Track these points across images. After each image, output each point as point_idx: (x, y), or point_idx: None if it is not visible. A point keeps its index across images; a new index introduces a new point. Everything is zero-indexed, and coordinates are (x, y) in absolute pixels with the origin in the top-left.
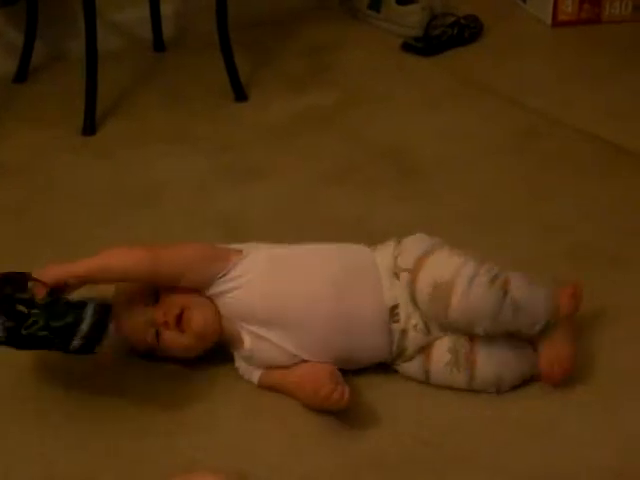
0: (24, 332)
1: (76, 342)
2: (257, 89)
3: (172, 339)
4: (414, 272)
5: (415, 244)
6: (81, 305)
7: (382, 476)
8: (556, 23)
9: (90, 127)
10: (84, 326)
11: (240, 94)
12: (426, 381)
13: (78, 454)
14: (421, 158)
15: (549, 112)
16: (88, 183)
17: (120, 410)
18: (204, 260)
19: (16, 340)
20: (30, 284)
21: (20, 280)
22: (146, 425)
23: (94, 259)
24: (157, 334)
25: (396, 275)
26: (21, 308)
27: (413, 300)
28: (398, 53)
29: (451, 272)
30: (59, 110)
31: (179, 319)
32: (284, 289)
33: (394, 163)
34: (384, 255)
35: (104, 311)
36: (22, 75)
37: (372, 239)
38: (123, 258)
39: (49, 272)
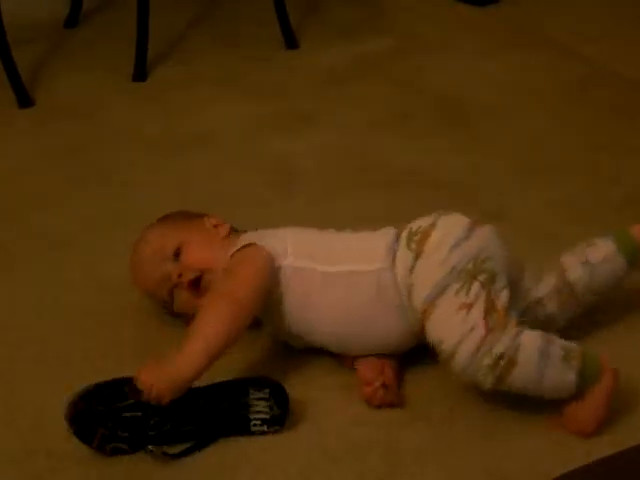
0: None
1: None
2: (308, 36)
3: (185, 300)
4: (423, 318)
5: (433, 268)
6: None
7: None
8: None
9: (141, 73)
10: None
11: (291, 41)
12: None
13: None
14: (474, 107)
15: (605, 62)
16: (139, 127)
17: None
18: (268, 281)
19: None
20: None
21: (114, 387)
22: None
23: (192, 350)
24: (172, 292)
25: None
26: (131, 414)
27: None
28: (452, 2)
29: (453, 342)
30: (110, 55)
31: (195, 282)
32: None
33: (447, 112)
34: (402, 258)
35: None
36: (73, 20)
37: (422, 188)
38: (217, 330)
39: (150, 381)
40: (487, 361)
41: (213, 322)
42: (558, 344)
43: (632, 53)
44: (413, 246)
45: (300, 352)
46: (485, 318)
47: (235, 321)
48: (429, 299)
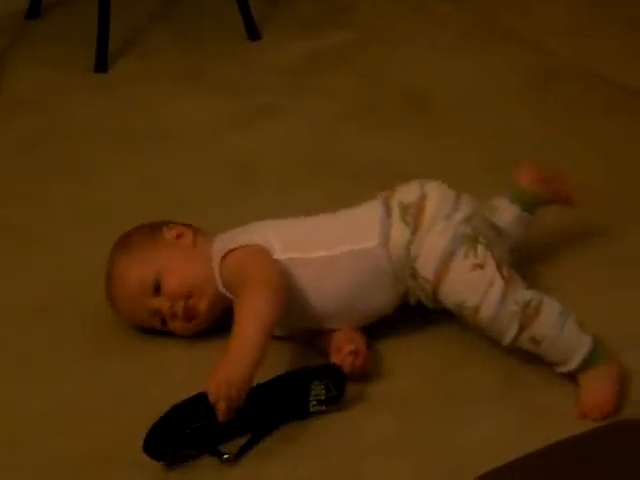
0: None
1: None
2: (271, 28)
3: (181, 327)
4: (435, 284)
5: (435, 238)
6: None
7: None
8: None
9: (102, 64)
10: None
11: (253, 33)
12: None
13: None
14: (439, 100)
15: (570, 57)
16: (99, 120)
17: None
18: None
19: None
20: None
21: (190, 407)
22: None
23: (247, 334)
24: (165, 322)
25: (413, 275)
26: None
27: (433, 298)
28: None
29: (477, 298)
30: (72, 47)
31: (189, 310)
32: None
33: (411, 104)
34: (399, 233)
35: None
36: (35, 11)
37: (388, 181)
38: (264, 309)
39: (219, 391)
40: (513, 308)
41: (256, 304)
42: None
43: (597, 47)
44: (409, 219)
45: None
46: (500, 271)
47: (275, 300)
48: (440, 266)
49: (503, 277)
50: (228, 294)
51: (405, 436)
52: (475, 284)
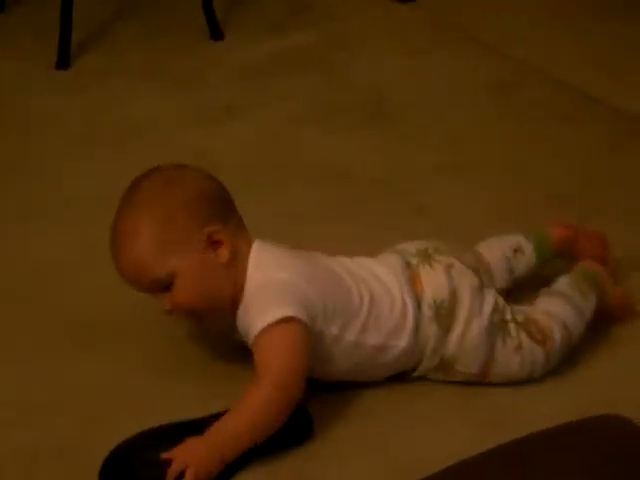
0: None
1: None
2: (234, 28)
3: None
4: (481, 376)
5: (473, 339)
6: None
7: None
8: None
9: (64, 61)
10: None
11: (216, 32)
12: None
13: None
14: (398, 103)
15: (530, 62)
16: (59, 117)
17: None
18: (308, 358)
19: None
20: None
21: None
22: None
23: (233, 434)
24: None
25: (443, 367)
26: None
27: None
28: None
29: (526, 372)
30: (34, 43)
31: (191, 313)
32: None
33: (371, 108)
34: (431, 333)
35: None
36: None
37: (346, 183)
38: (265, 418)
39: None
40: (558, 356)
41: (260, 412)
42: (577, 290)
43: (557, 52)
44: (442, 321)
45: None
46: (533, 338)
47: (281, 411)
48: (484, 363)
49: (538, 341)
50: (245, 339)
51: (362, 442)
52: (520, 363)
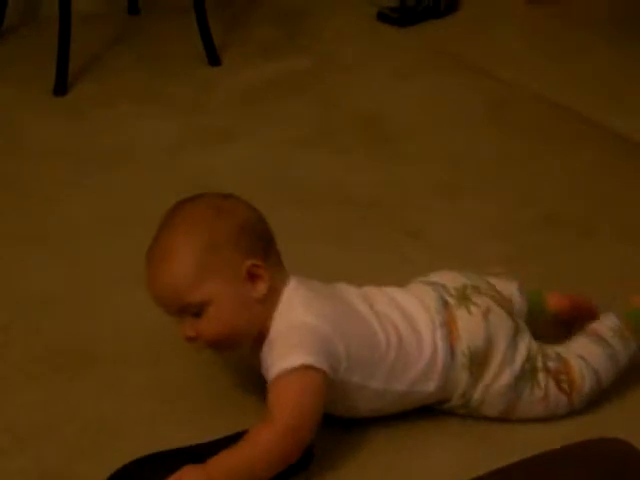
0: None
1: None
2: (231, 54)
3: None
4: (501, 417)
5: (501, 388)
6: None
7: None
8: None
9: (61, 87)
10: None
11: (213, 58)
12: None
13: None
14: (394, 126)
15: (521, 84)
16: (58, 143)
17: None
18: (323, 403)
19: None
20: None
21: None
22: None
23: (230, 469)
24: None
25: (465, 406)
26: None
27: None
28: (373, 22)
29: (547, 415)
30: (31, 70)
31: (214, 344)
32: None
33: (367, 130)
34: (461, 380)
35: None
36: None
37: (342, 206)
38: (268, 461)
39: None
40: (584, 402)
41: (263, 458)
42: (617, 336)
43: (548, 76)
44: (475, 369)
45: None
46: (561, 390)
47: (288, 454)
48: (507, 408)
49: (564, 391)
50: (264, 373)
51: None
52: (544, 410)
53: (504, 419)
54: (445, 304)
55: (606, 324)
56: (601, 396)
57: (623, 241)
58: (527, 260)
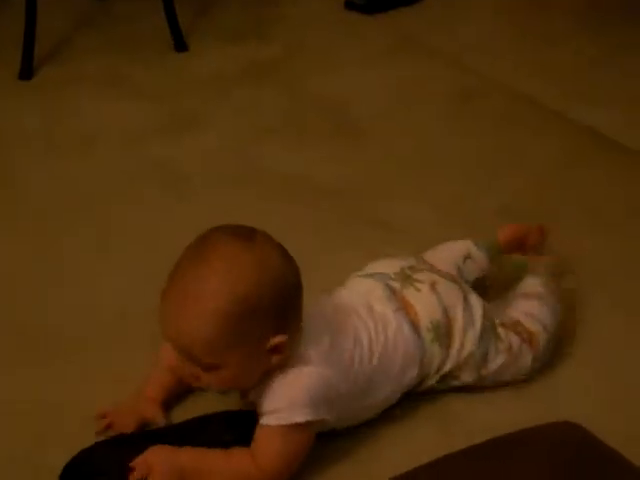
0: None
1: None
2: (198, 40)
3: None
4: (477, 382)
5: (468, 349)
6: None
7: None
8: None
9: (27, 71)
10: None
11: (180, 44)
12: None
13: None
14: (360, 114)
15: (489, 74)
16: (21, 127)
17: None
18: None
19: None
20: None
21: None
22: None
23: (208, 462)
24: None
25: (442, 379)
26: None
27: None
28: (341, 10)
29: (516, 370)
30: None
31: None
32: None
33: (334, 119)
34: (434, 354)
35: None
36: None
37: (310, 195)
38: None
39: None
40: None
41: (234, 477)
42: (549, 290)
43: (516, 64)
44: (443, 341)
45: None
46: (521, 338)
47: None
48: (480, 370)
49: (525, 340)
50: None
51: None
52: (513, 364)
53: (479, 386)
54: (392, 290)
55: (535, 282)
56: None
57: (576, 235)
58: None
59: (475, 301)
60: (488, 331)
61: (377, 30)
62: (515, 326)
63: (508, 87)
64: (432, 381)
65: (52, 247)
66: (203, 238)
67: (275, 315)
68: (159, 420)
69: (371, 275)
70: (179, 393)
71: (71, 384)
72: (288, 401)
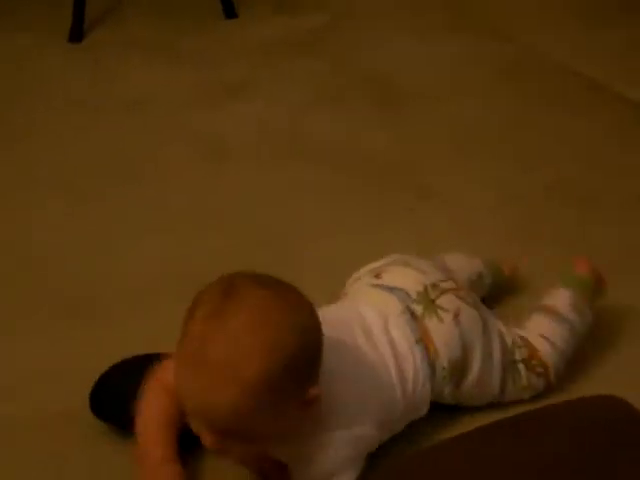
0: None
1: None
2: (247, 7)
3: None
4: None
5: (485, 388)
6: None
7: None
8: None
9: (77, 34)
10: None
11: (229, 11)
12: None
13: None
14: (406, 86)
15: (539, 48)
16: (70, 90)
17: None
18: None
19: None
20: None
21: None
22: None
23: None
24: None
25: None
26: None
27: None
28: None
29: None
30: (48, 15)
31: None
32: None
33: (379, 91)
34: (444, 391)
35: None
36: None
37: (352, 165)
38: None
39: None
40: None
41: None
42: (574, 310)
43: (567, 39)
44: (456, 379)
45: None
46: (535, 373)
47: None
48: (493, 401)
49: (540, 374)
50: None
51: None
52: (529, 396)
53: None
54: (413, 316)
55: (561, 299)
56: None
57: (623, 210)
58: (531, 226)
59: (495, 334)
60: (507, 368)
61: (429, 2)
62: (530, 359)
63: (558, 64)
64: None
65: (91, 212)
66: (225, 291)
67: (307, 368)
68: None
69: (391, 289)
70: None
71: (107, 349)
72: (332, 468)
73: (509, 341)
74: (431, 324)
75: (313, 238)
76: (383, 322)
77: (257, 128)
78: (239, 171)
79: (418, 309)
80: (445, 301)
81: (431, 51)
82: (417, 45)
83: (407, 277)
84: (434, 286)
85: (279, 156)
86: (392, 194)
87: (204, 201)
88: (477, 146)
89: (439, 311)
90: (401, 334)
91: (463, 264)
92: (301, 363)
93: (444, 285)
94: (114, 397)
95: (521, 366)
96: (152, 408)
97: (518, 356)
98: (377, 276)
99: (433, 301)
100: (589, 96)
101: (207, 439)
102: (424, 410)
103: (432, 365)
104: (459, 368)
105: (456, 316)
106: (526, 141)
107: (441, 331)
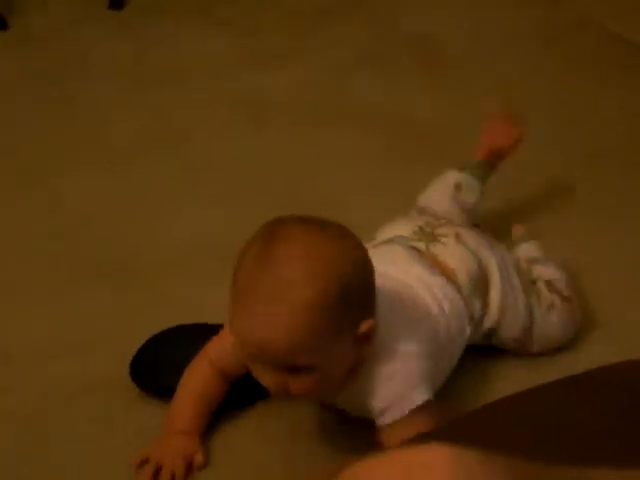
0: None
1: None
2: None
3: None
4: (524, 341)
5: (513, 309)
6: None
7: None
8: None
9: (117, 1)
10: None
11: None
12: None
13: None
14: (449, 48)
15: (586, 12)
16: (112, 56)
17: None
18: None
19: None
20: None
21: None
22: None
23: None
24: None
25: (488, 336)
26: None
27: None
28: None
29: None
30: None
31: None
32: None
33: (423, 54)
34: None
35: None
36: None
37: (393, 128)
38: None
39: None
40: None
41: None
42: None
43: (613, 3)
44: (481, 294)
45: None
46: (560, 296)
47: None
48: (524, 328)
49: (564, 299)
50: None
51: None
52: (557, 323)
53: (527, 350)
54: (418, 252)
55: (532, 248)
56: None
57: None
58: (571, 194)
59: (503, 251)
60: (527, 291)
61: None
62: (550, 282)
63: (602, 27)
64: (478, 335)
65: (136, 178)
66: (271, 231)
67: (361, 298)
68: (200, 456)
69: (389, 241)
70: (208, 420)
71: (150, 317)
72: (396, 391)
73: (523, 264)
74: (437, 250)
75: (353, 202)
76: (396, 266)
77: (297, 94)
78: (281, 135)
79: (420, 245)
80: (442, 230)
81: (472, 13)
82: (457, 8)
83: (398, 226)
84: (427, 223)
85: (321, 120)
86: (432, 158)
87: (247, 165)
88: (516, 111)
89: (440, 238)
90: (420, 269)
91: (436, 192)
92: (353, 292)
93: (436, 222)
94: (153, 368)
95: (540, 284)
96: (192, 380)
97: (535, 275)
98: (372, 241)
99: (430, 233)
100: (632, 60)
101: (269, 380)
102: (468, 330)
103: (455, 283)
104: (481, 279)
105: (457, 237)
106: (567, 104)
107: (448, 252)
